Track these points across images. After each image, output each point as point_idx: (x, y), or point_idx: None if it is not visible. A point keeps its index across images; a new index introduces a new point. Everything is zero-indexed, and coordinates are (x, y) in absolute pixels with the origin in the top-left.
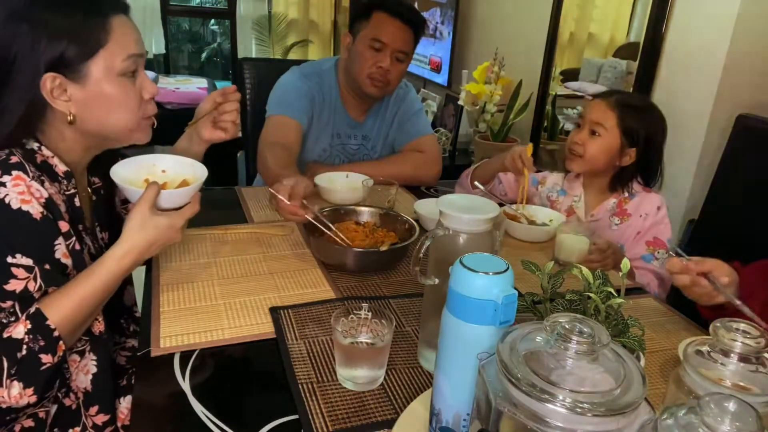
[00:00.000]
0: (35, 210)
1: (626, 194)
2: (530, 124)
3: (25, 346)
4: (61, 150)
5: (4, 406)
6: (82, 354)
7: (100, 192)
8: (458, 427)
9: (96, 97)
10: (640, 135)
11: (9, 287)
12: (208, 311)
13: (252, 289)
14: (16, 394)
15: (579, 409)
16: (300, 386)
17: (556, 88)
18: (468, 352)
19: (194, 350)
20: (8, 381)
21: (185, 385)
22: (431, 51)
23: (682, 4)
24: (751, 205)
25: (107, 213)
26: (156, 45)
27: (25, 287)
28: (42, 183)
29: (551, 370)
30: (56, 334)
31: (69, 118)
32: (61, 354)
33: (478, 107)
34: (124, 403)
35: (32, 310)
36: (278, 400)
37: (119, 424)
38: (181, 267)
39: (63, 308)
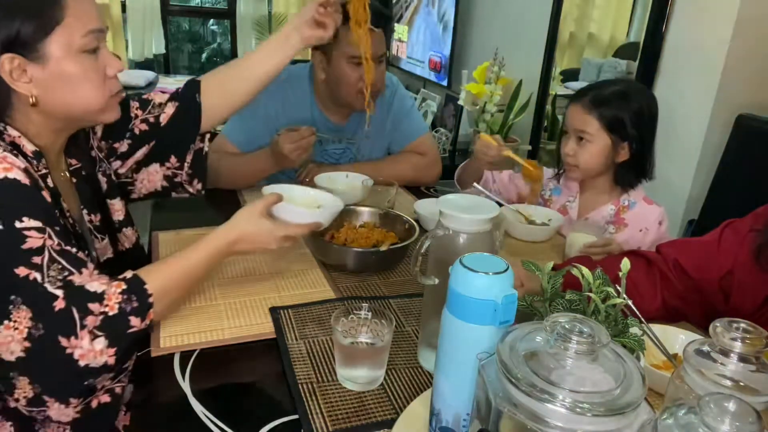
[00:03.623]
0: (21, 176)
1: (626, 203)
2: (530, 124)
3: (117, 305)
4: (31, 134)
5: (82, 362)
6: None
7: (81, 173)
8: (458, 427)
9: (57, 76)
10: (628, 125)
11: (26, 246)
12: (208, 311)
13: (252, 289)
14: (99, 348)
15: (579, 409)
16: (300, 386)
17: (556, 88)
18: (468, 352)
19: (194, 350)
20: (82, 332)
21: (185, 386)
22: (431, 51)
23: (682, 4)
24: (751, 205)
25: (94, 194)
26: (156, 45)
27: (43, 245)
28: (16, 157)
29: (551, 370)
30: (151, 300)
31: (31, 100)
32: (148, 322)
33: (478, 107)
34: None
35: (129, 275)
36: (278, 400)
37: (119, 425)
38: None
39: (162, 277)
